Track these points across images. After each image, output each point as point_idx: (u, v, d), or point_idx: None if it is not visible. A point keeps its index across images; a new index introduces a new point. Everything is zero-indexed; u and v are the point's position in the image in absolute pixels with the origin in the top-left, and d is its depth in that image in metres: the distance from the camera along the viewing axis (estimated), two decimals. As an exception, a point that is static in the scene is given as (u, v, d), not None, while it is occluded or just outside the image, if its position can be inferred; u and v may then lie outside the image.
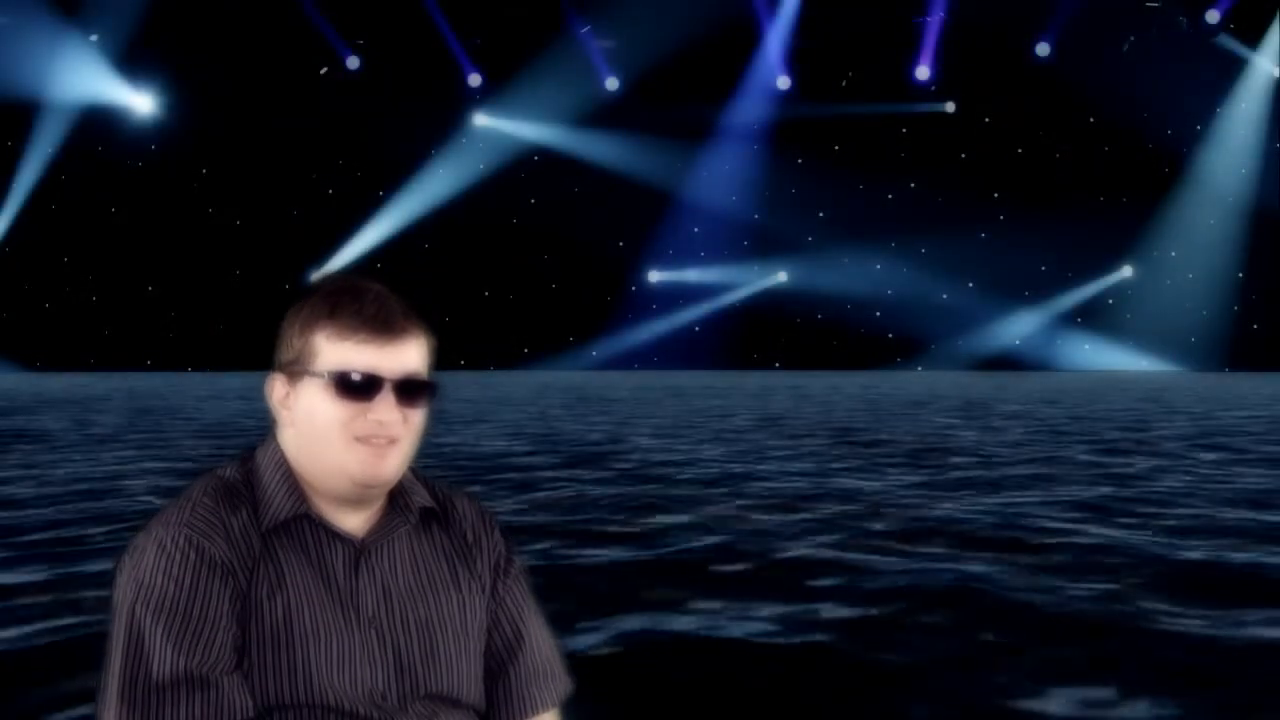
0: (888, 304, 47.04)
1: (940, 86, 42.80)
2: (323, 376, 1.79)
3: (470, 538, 1.95)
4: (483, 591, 1.93)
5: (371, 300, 1.87)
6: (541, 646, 1.96)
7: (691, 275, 48.26)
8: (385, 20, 40.23)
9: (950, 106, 45.20)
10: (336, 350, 1.80)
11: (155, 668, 1.66)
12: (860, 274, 46.66)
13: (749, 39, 41.68)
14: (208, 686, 1.66)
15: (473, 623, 1.90)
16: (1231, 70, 43.46)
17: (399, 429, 1.81)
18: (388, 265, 47.37)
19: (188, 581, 1.69)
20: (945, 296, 46.13)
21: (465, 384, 33.53)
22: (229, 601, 1.71)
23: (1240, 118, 44.53)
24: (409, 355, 1.85)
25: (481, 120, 45.70)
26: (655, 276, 48.47)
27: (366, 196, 46.61)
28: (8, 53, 37.88)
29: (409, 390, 1.83)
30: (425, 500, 1.92)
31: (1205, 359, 46.26)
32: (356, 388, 1.78)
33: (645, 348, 48.59)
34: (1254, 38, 42.65)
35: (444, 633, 1.85)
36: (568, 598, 5.61)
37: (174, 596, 1.68)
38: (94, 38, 39.76)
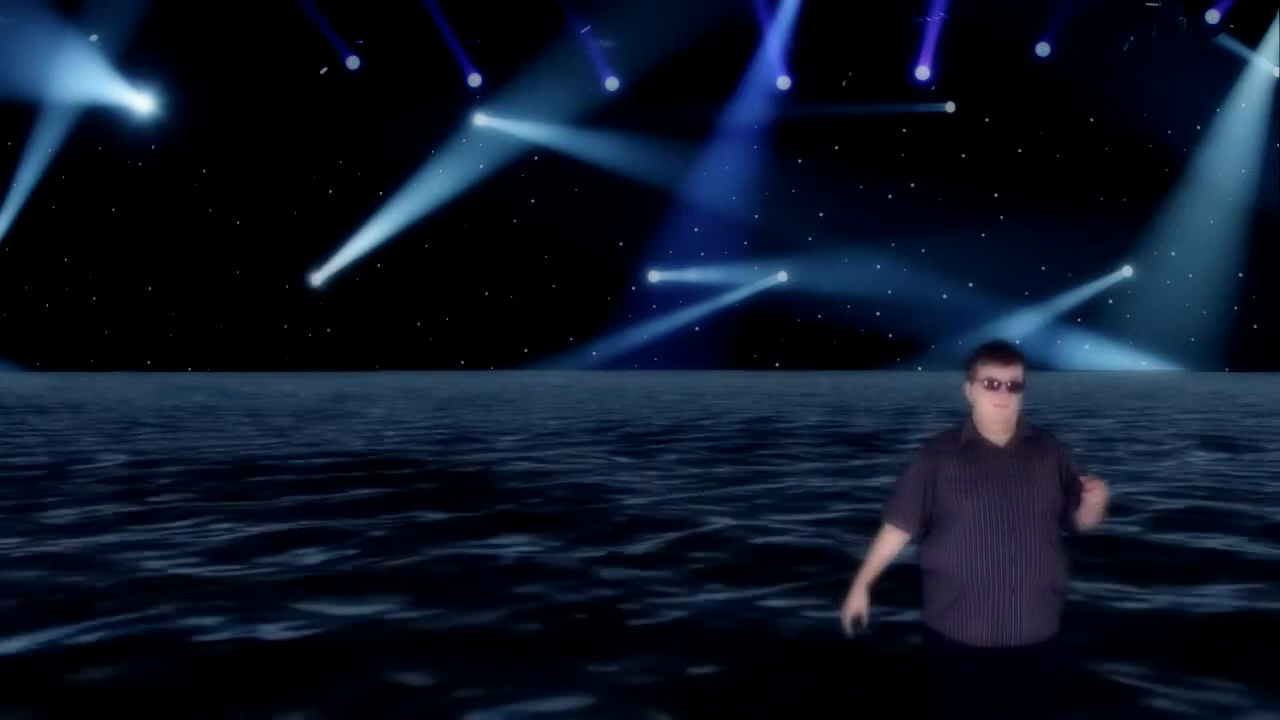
0: (888, 304, 47.01)
1: (940, 86, 42.75)
2: (982, 382, 3.72)
3: (1047, 449, 3.73)
4: (1057, 473, 3.73)
5: (999, 347, 3.77)
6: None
7: (691, 275, 48.25)
8: (385, 20, 40.18)
9: (950, 106, 45.18)
10: (985, 369, 3.72)
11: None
12: (860, 274, 46.63)
13: (749, 39, 41.63)
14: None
15: (1051, 487, 3.70)
16: (1231, 70, 43.43)
17: (1011, 402, 3.68)
18: (388, 265, 47.37)
19: (920, 468, 3.76)
20: (945, 296, 46.10)
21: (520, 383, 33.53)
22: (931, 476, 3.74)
23: (1240, 118, 44.50)
24: (1017, 371, 3.71)
25: (481, 120, 45.69)
26: (655, 276, 48.44)
27: (366, 196, 46.58)
28: (8, 53, 37.85)
29: (1014, 387, 3.70)
30: (1029, 432, 3.74)
31: (1205, 359, 46.25)
32: (993, 385, 3.69)
33: (645, 348, 48.56)
34: (1254, 38, 42.62)
35: (1041, 488, 3.66)
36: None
37: (912, 474, 3.78)
38: (94, 38, 39.72)
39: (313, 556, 8.61)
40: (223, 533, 9.60)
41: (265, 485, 12.44)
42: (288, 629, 6.57)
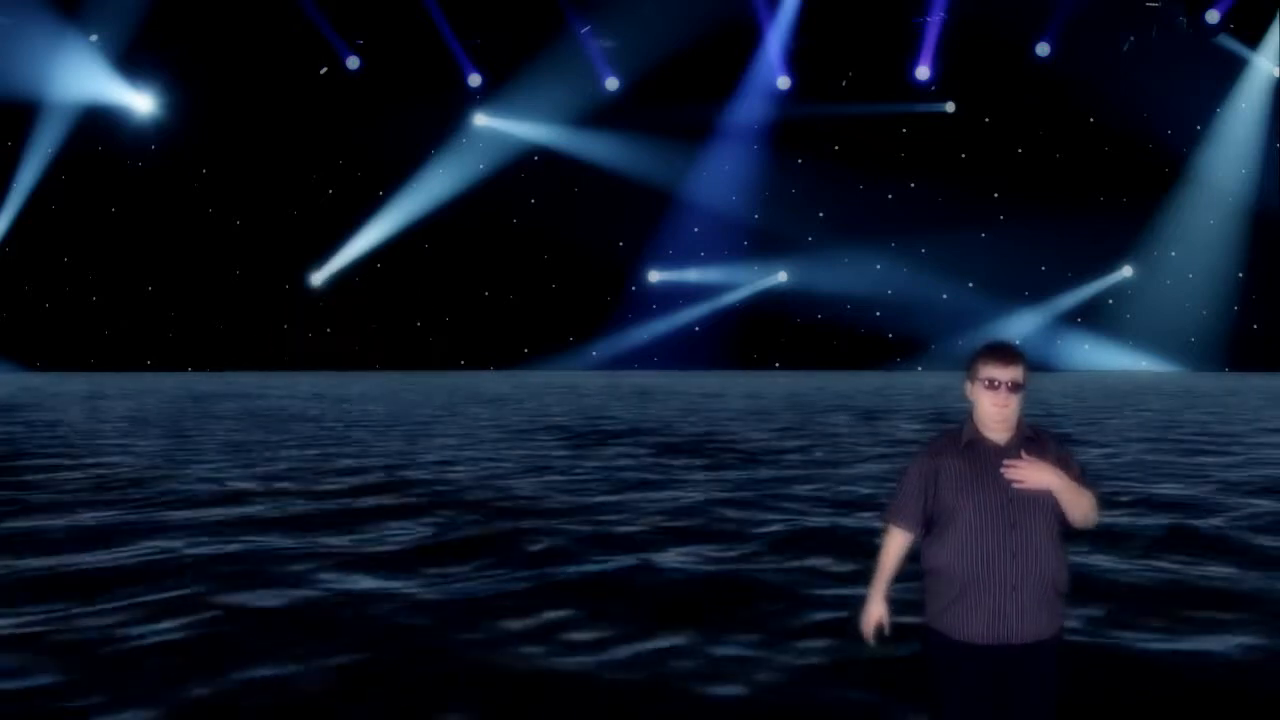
0: (888, 304, 47.01)
1: (940, 86, 42.73)
2: (982, 381, 3.76)
3: (1047, 449, 3.74)
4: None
5: (1000, 347, 3.81)
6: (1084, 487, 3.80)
7: (691, 275, 48.24)
8: (385, 20, 40.16)
9: (950, 106, 45.17)
10: (985, 369, 3.76)
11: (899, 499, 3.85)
12: (860, 274, 46.63)
13: (749, 39, 41.61)
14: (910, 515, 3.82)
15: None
16: (1231, 70, 43.42)
17: (1010, 402, 3.71)
18: (388, 265, 47.38)
19: (921, 469, 3.78)
20: (945, 296, 46.09)
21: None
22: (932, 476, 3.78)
23: (1240, 118, 44.50)
24: (1017, 371, 3.74)
25: (481, 120, 45.67)
26: (655, 276, 48.43)
27: (366, 196, 46.57)
28: (8, 53, 37.84)
29: (1014, 387, 3.73)
30: (1029, 432, 3.78)
31: (1205, 359, 46.24)
32: (993, 385, 3.74)
33: (645, 348, 48.55)
34: (1254, 38, 42.62)
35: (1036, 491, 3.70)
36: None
37: (912, 475, 3.79)
38: (94, 38, 39.70)
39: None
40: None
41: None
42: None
